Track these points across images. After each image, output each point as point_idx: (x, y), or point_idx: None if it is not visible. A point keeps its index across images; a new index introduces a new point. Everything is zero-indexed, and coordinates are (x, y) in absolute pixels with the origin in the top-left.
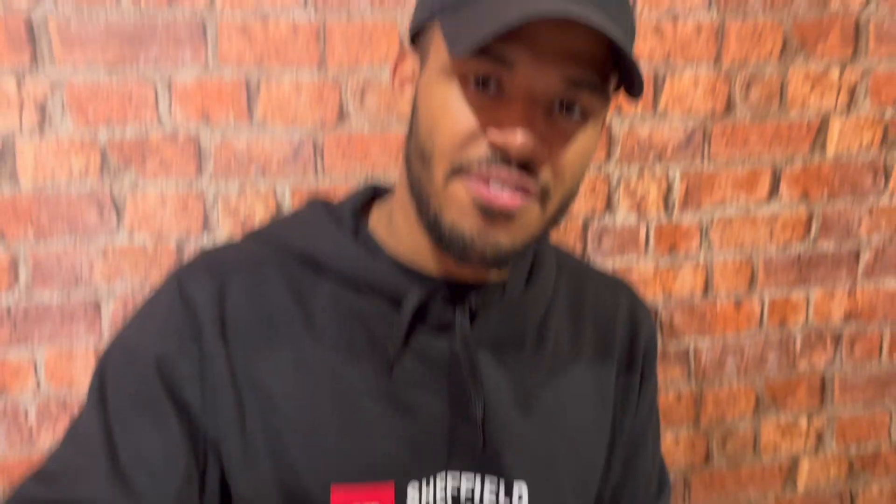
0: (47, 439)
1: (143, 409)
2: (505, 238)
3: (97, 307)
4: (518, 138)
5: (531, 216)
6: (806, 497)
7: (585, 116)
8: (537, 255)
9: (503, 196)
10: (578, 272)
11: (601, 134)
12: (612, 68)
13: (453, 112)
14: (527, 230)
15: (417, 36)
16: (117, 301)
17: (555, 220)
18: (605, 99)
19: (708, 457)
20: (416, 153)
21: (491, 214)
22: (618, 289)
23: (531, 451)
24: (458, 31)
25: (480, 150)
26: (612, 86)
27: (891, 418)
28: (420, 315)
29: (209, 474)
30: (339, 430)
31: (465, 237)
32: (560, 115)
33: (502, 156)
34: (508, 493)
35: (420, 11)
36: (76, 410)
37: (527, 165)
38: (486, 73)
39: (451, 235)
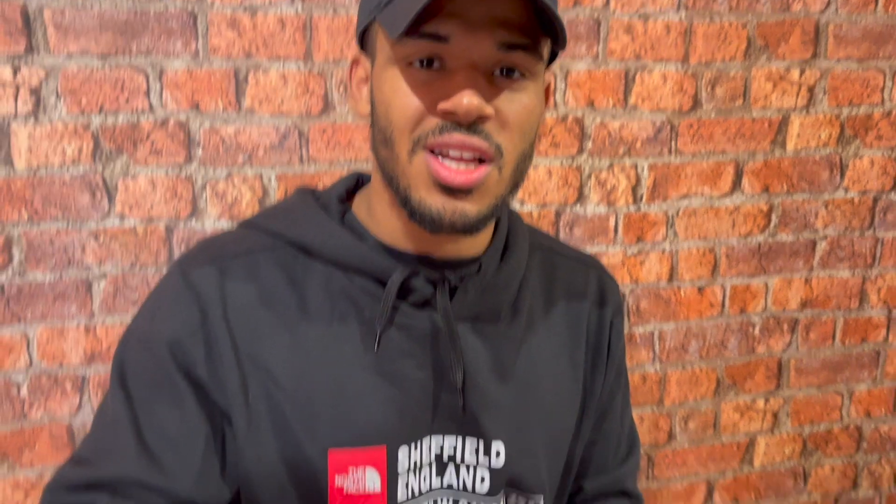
0: (38, 413)
1: (161, 391)
2: (470, 208)
3: (88, 287)
4: (464, 100)
5: (490, 182)
6: (762, 473)
7: (524, 76)
8: (511, 235)
9: (459, 176)
10: (550, 250)
11: (544, 93)
12: (541, 30)
13: (403, 93)
14: (490, 196)
15: (364, 39)
16: (108, 281)
17: (514, 182)
18: (539, 58)
19: (671, 435)
20: (380, 139)
21: (452, 191)
22: (587, 265)
23: (507, 414)
24: (393, 19)
25: (434, 122)
26: (544, 45)
27: (843, 400)
28: (403, 292)
29: (228, 447)
30: (333, 400)
31: (432, 212)
32: (501, 78)
33: (453, 121)
34: (487, 451)
35: (362, 15)
36: (67, 385)
37: (477, 127)
38: (427, 52)
39: (421, 211)
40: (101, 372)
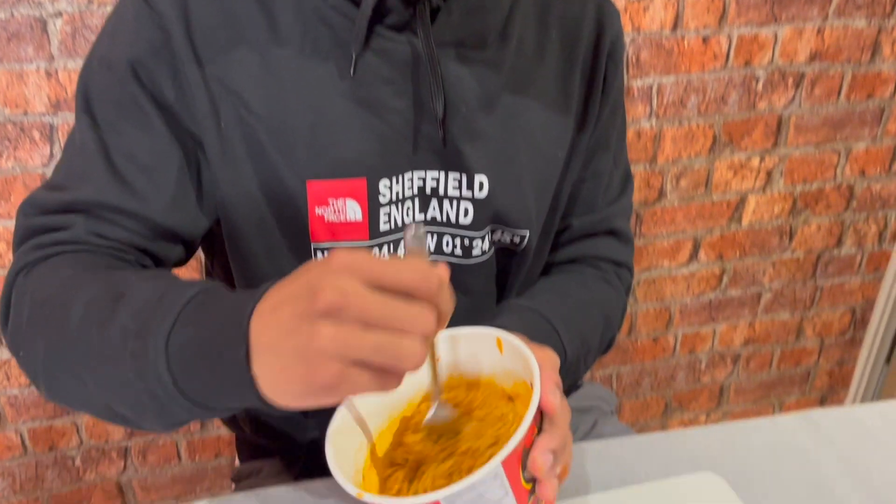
0: (9, 163)
1: (127, 114)
2: None
3: (44, 26)
4: None
5: None
6: (749, 231)
7: None
8: None
9: None
10: None
11: None
12: None
13: None
14: None
15: None
16: (64, 21)
17: None
18: None
19: (661, 193)
20: None
21: None
22: None
23: (492, 147)
24: None
25: None
26: None
27: (839, 159)
28: (380, 13)
29: (204, 175)
30: (310, 128)
31: None
32: None
33: None
34: (470, 185)
35: None
36: (35, 135)
37: None
38: None
39: None
40: (69, 120)
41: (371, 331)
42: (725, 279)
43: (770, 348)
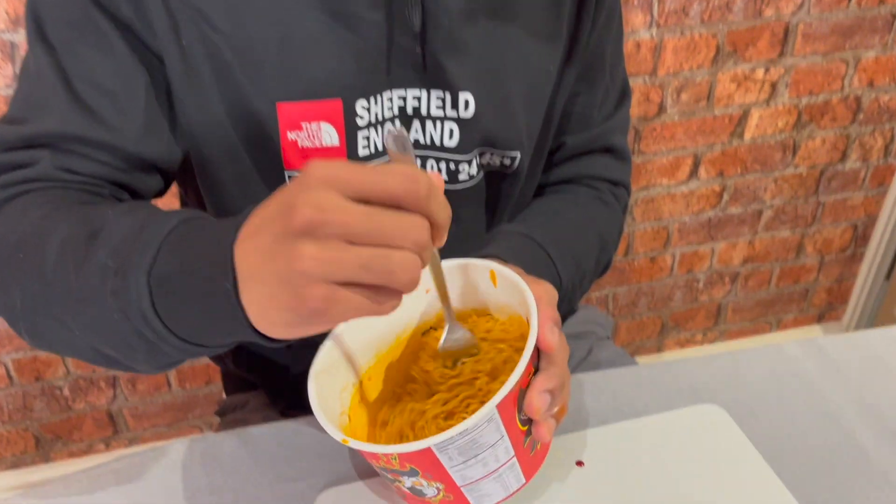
0: None
1: (84, 35)
2: None
3: None
4: None
5: None
6: (751, 146)
7: None
8: None
9: None
10: None
11: None
12: None
13: None
14: None
15: None
16: None
17: None
18: None
19: (661, 108)
20: None
21: None
22: None
23: (476, 61)
24: None
25: None
26: None
27: (847, 69)
28: None
29: (173, 98)
30: (278, 46)
31: None
32: None
33: None
34: (455, 104)
35: None
36: None
37: None
38: None
39: None
40: None
41: (357, 247)
42: (726, 196)
43: (769, 266)
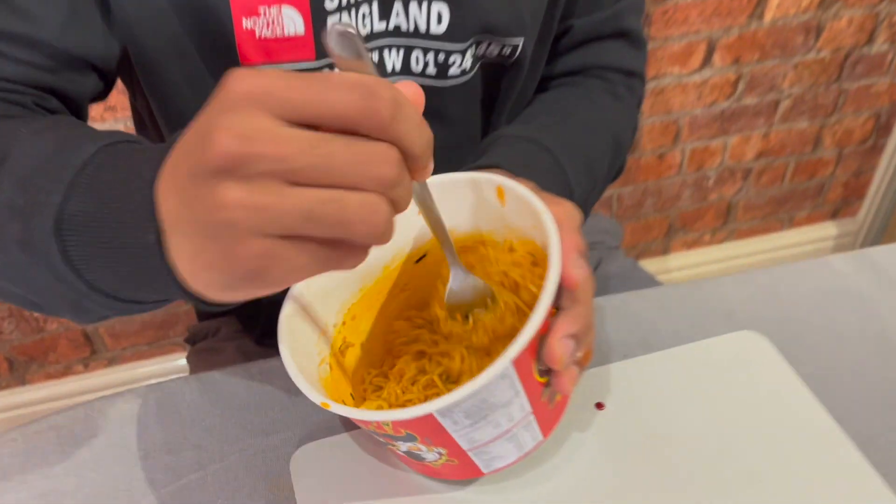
0: None
1: None
2: None
3: None
4: None
5: None
6: (771, 29)
7: None
8: None
9: None
10: None
11: None
12: None
13: None
14: None
15: None
16: None
17: None
18: None
19: None
20: None
21: None
22: None
23: None
24: None
25: None
26: None
27: None
28: None
29: None
30: None
31: None
32: None
33: None
34: None
35: None
36: None
37: None
38: None
39: None
40: None
41: (299, 188)
42: (741, 86)
43: (784, 161)
